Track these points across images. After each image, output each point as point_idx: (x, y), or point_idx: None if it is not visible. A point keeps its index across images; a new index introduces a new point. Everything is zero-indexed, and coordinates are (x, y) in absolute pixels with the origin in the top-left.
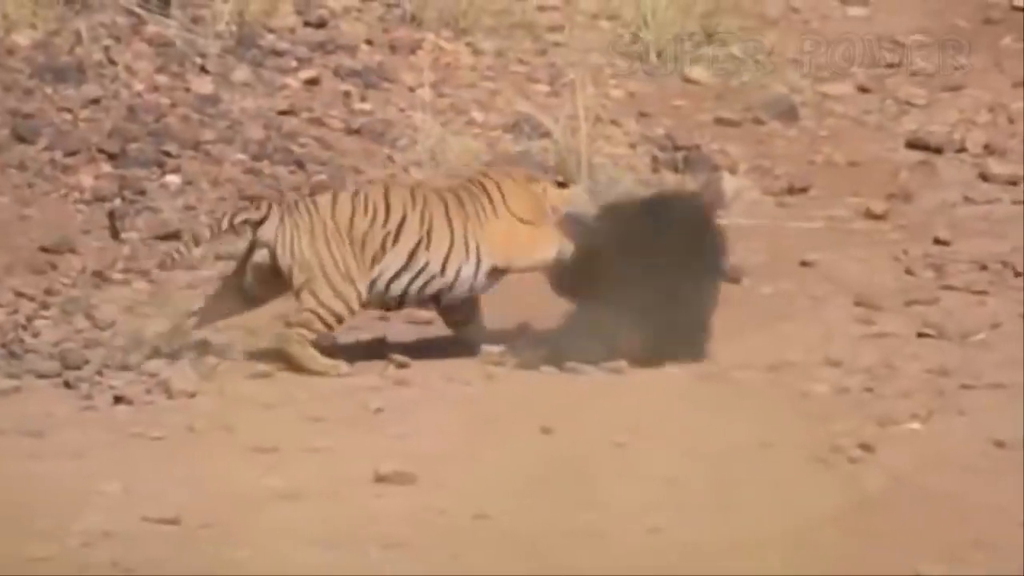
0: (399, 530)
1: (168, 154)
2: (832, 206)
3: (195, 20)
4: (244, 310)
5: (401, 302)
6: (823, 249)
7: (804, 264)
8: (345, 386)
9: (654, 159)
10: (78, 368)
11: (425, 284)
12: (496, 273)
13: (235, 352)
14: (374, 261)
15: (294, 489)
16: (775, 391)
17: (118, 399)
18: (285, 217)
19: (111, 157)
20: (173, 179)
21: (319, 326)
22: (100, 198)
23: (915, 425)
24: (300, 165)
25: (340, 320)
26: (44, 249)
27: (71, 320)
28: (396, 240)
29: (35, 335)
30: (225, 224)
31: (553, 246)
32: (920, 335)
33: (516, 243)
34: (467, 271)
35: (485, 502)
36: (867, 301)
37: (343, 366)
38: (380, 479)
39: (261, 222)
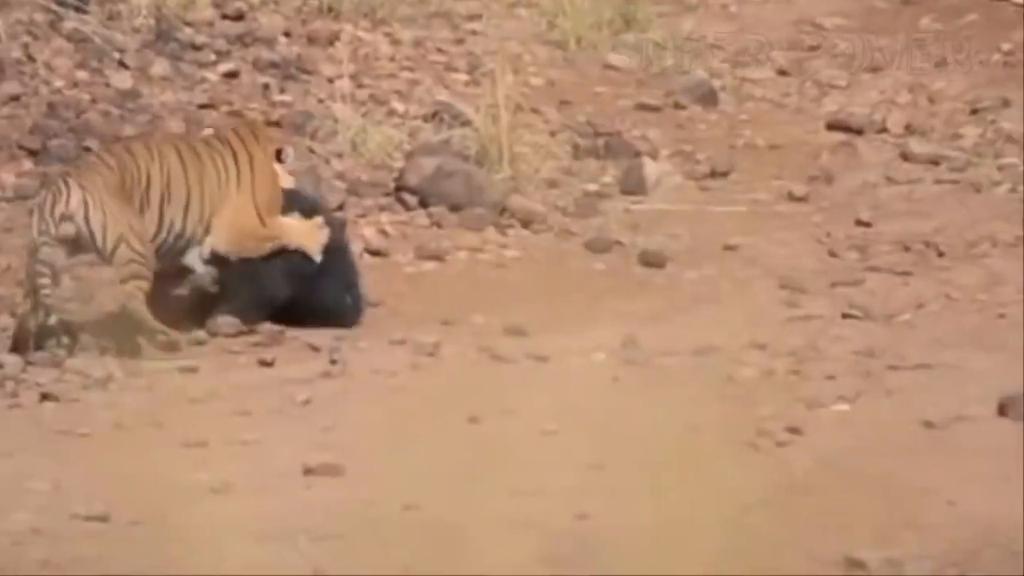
0: (329, 522)
1: (89, 150)
2: (754, 190)
3: (112, 16)
4: None
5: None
6: (746, 233)
7: (727, 248)
8: (272, 378)
9: (575, 146)
10: (2, 366)
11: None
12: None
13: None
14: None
15: (223, 483)
16: (701, 376)
17: (44, 396)
18: (82, 183)
19: (32, 154)
20: None
21: (147, 272)
22: (22, 196)
23: (842, 407)
24: None
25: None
26: None
27: None
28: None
29: None
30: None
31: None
32: (845, 316)
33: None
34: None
35: (414, 492)
36: (791, 284)
37: (174, 334)
38: (309, 471)
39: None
